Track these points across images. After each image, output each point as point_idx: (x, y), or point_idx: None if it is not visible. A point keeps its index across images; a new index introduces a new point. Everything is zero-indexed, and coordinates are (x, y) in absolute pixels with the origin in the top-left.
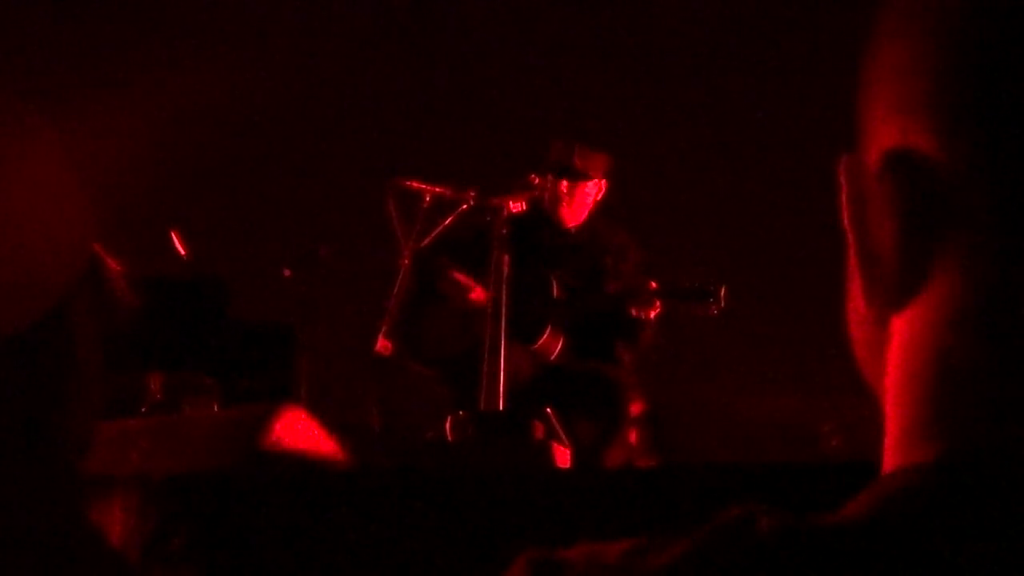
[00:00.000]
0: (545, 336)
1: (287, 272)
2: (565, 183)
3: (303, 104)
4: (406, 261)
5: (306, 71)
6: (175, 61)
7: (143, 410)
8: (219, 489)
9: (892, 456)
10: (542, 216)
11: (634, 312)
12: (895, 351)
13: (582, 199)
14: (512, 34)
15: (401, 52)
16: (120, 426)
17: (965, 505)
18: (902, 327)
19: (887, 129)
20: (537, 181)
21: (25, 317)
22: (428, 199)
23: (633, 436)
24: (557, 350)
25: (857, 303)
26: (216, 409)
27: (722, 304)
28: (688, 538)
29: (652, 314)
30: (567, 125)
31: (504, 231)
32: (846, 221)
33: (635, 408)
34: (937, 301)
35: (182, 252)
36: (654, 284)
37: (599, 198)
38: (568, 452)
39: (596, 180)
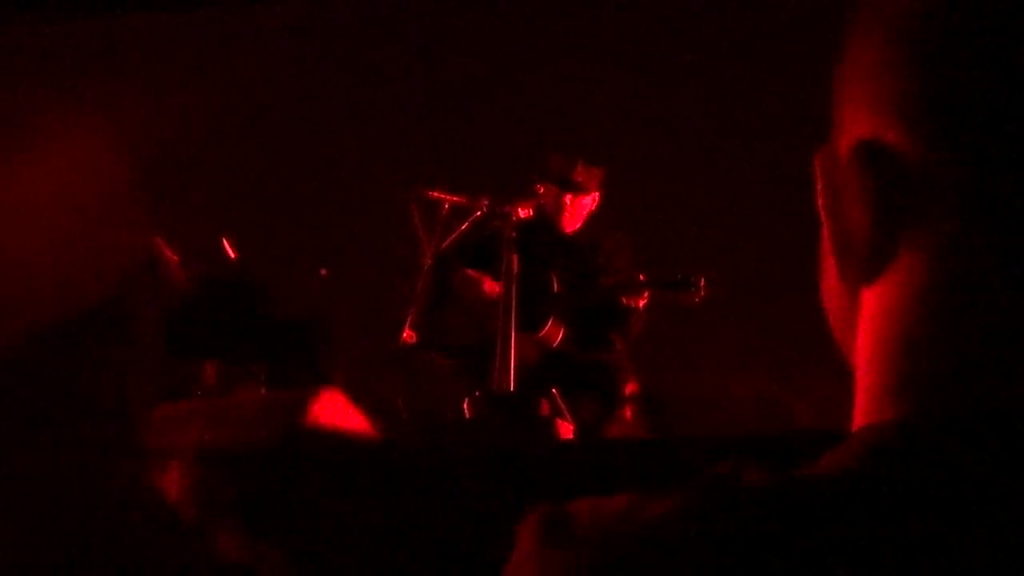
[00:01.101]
0: (548, 326)
1: (324, 272)
2: (568, 197)
3: (339, 126)
4: (428, 261)
5: (341, 94)
6: (205, 86)
7: (198, 394)
8: (265, 461)
9: (861, 415)
10: (545, 221)
11: (625, 302)
12: (865, 322)
13: (581, 210)
14: (515, 64)
15: (423, 79)
16: (178, 408)
17: (927, 458)
18: (871, 300)
19: (858, 123)
20: (541, 190)
21: (88, 300)
22: (447, 207)
23: (628, 413)
24: (559, 338)
25: (831, 279)
26: (263, 393)
27: (702, 293)
28: (681, 491)
29: (641, 303)
30: (563, 135)
31: (513, 234)
32: (821, 206)
33: (630, 388)
34: (903, 277)
35: (232, 256)
36: (642, 276)
37: (594, 208)
38: (571, 427)
39: (593, 193)
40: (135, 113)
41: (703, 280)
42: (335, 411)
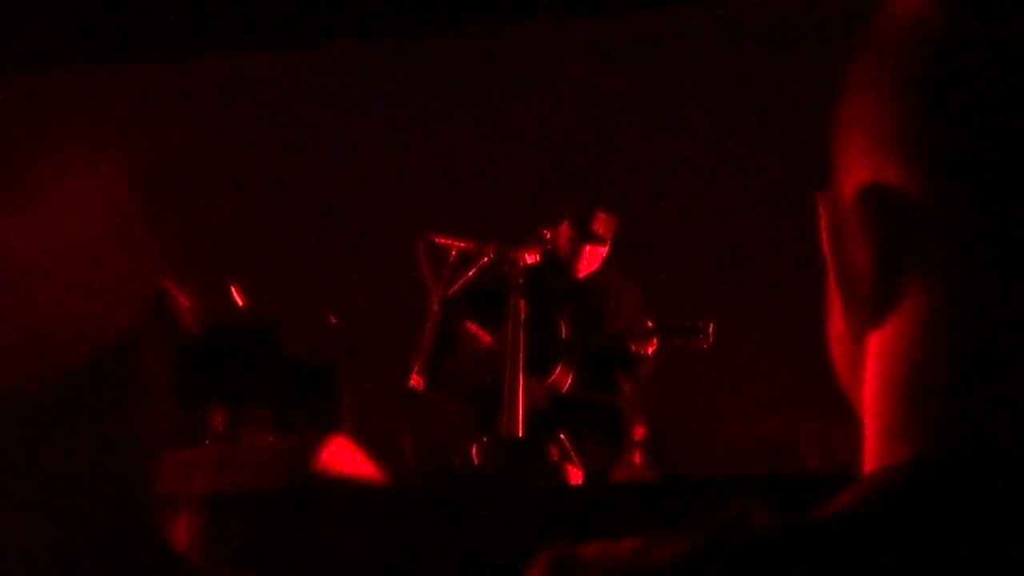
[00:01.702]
0: (557, 372)
1: (332, 319)
2: (587, 247)
3: (347, 171)
4: (435, 307)
5: (349, 140)
6: (213, 130)
7: (206, 441)
8: (273, 506)
9: (871, 458)
10: (552, 266)
11: (633, 348)
12: (872, 365)
13: (596, 258)
14: (524, 110)
15: (430, 125)
16: (187, 455)
17: (938, 500)
18: (878, 343)
19: (861, 165)
20: (548, 235)
21: (92, 346)
22: (454, 253)
23: (636, 457)
24: (568, 383)
25: (837, 323)
26: (271, 439)
27: (711, 339)
28: (691, 533)
29: (649, 350)
30: (571, 181)
31: (520, 280)
32: (826, 249)
33: (638, 432)
34: (909, 319)
35: (240, 302)
36: (650, 323)
37: (605, 254)
38: (579, 472)
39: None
40: (144, 157)
41: (712, 327)
42: (343, 457)
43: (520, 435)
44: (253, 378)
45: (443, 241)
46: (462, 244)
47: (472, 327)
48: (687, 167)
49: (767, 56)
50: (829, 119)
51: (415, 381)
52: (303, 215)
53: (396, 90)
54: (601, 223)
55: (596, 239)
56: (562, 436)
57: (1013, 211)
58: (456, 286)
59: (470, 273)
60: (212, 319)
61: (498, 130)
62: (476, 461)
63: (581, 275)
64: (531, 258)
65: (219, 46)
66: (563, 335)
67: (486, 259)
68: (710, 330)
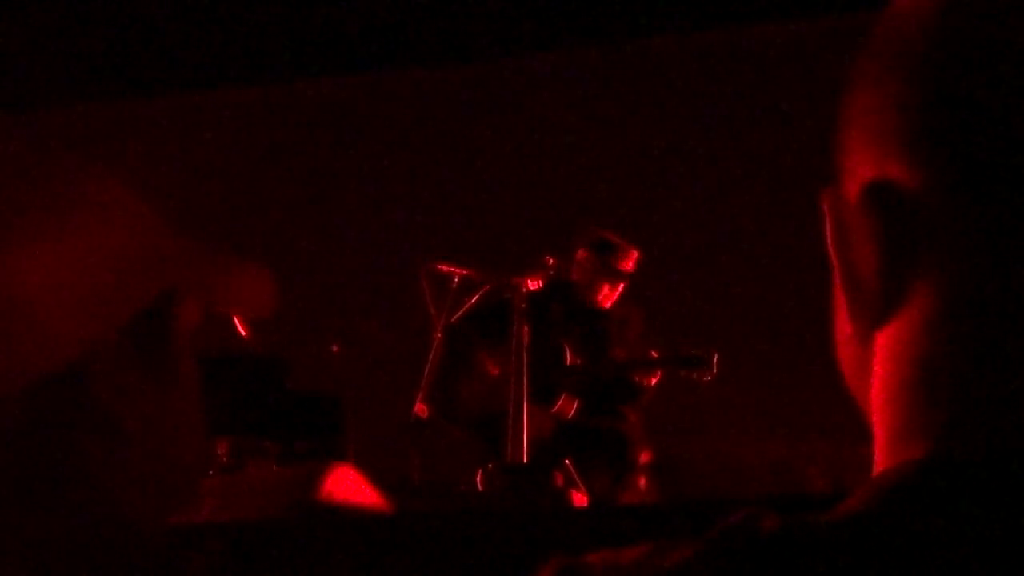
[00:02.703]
0: (562, 400)
1: (335, 348)
2: (607, 284)
3: (349, 201)
4: (439, 335)
5: (352, 170)
6: (217, 160)
7: (211, 472)
8: (277, 536)
9: (881, 459)
10: (556, 292)
11: (637, 380)
12: (879, 365)
13: (615, 293)
14: (525, 140)
15: (432, 155)
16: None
17: (950, 497)
18: (885, 343)
19: (865, 164)
20: (551, 262)
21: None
22: (457, 280)
23: (642, 482)
24: (573, 410)
25: (843, 325)
26: (276, 469)
27: (714, 371)
28: (699, 538)
29: (653, 381)
30: (574, 209)
31: (523, 306)
32: (830, 248)
33: (643, 458)
34: (916, 316)
35: (243, 333)
36: (654, 354)
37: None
38: (585, 498)
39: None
40: (149, 190)
41: (716, 358)
42: (347, 485)
43: (525, 461)
44: (257, 408)
45: (446, 269)
46: (464, 271)
47: (476, 354)
48: (689, 194)
49: (770, 85)
50: (833, 144)
51: (420, 409)
52: (305, 244)
53: (398, 120)
54: (632, 262)
55: (619, 276)
56: (567, 462)
57: (1018, 207)
58: (459, 313)
59: (473, 300)
60: (216, 349)
61: (500, 158)
62: (481, 488)
63: (600, 306)
64: (534, 284)
65: (221, 79)
66: (567, 361)
67: (488, 286)
68: (714, 361)
